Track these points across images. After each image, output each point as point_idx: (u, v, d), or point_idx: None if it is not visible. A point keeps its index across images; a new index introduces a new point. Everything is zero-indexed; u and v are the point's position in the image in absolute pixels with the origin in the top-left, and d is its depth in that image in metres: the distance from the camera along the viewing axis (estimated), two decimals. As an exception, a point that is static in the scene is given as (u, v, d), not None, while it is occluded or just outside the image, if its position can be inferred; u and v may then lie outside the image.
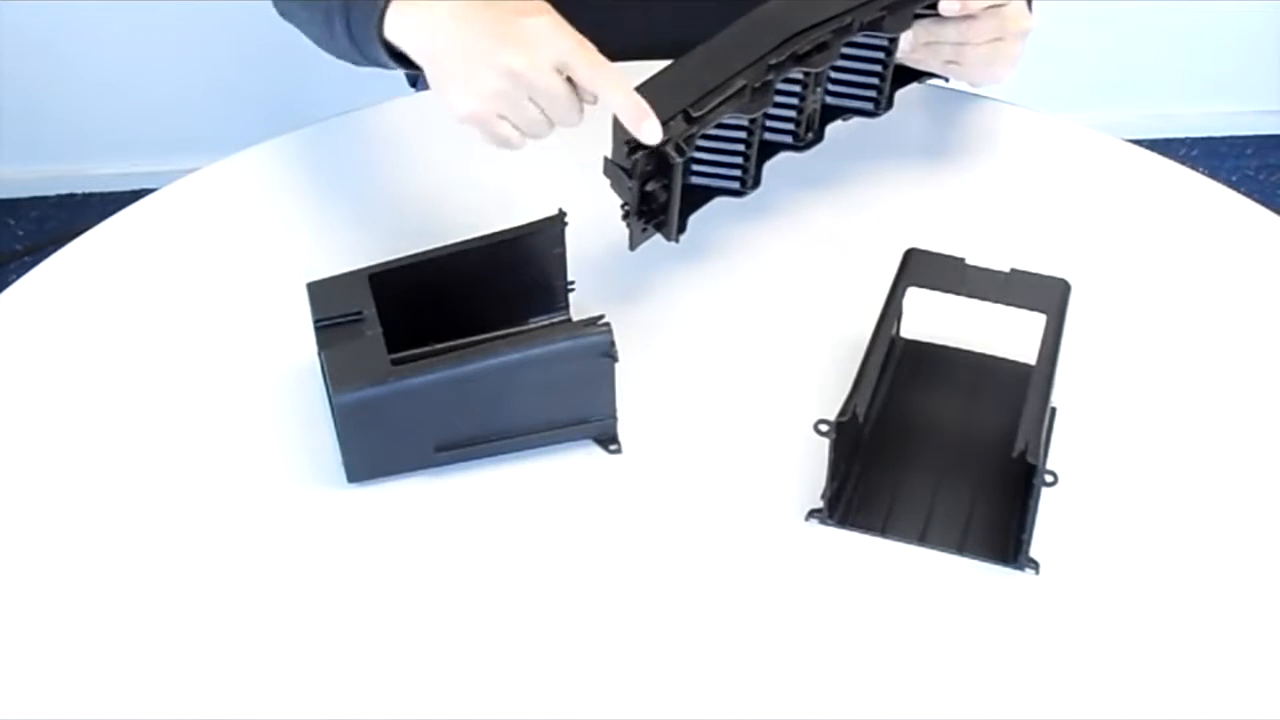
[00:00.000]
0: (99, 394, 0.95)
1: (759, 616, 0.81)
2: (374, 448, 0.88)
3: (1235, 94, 2.36)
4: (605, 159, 0.93)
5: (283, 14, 1.09)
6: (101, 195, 2.25)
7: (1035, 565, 0.83)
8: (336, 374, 0.86)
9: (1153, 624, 0.81)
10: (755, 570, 0.84)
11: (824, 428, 0.83)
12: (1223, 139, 2.37)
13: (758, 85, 0.94)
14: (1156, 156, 1.14)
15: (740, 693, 0.78)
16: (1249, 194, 1.10)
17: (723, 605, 0.82)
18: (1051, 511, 0.85)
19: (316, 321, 0.88)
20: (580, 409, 0.89)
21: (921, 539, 0.85)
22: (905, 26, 1.00)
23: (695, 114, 0.91)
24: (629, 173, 0.91)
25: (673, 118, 0.91)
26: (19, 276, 1.03)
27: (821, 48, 0.97)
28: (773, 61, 0.95)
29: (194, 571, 0.84)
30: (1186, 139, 2.36)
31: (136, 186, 1.81)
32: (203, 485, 0.89)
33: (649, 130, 0.88)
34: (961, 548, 0.85)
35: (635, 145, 0.90)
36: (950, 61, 1.05)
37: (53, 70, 2.17)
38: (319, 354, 0.90)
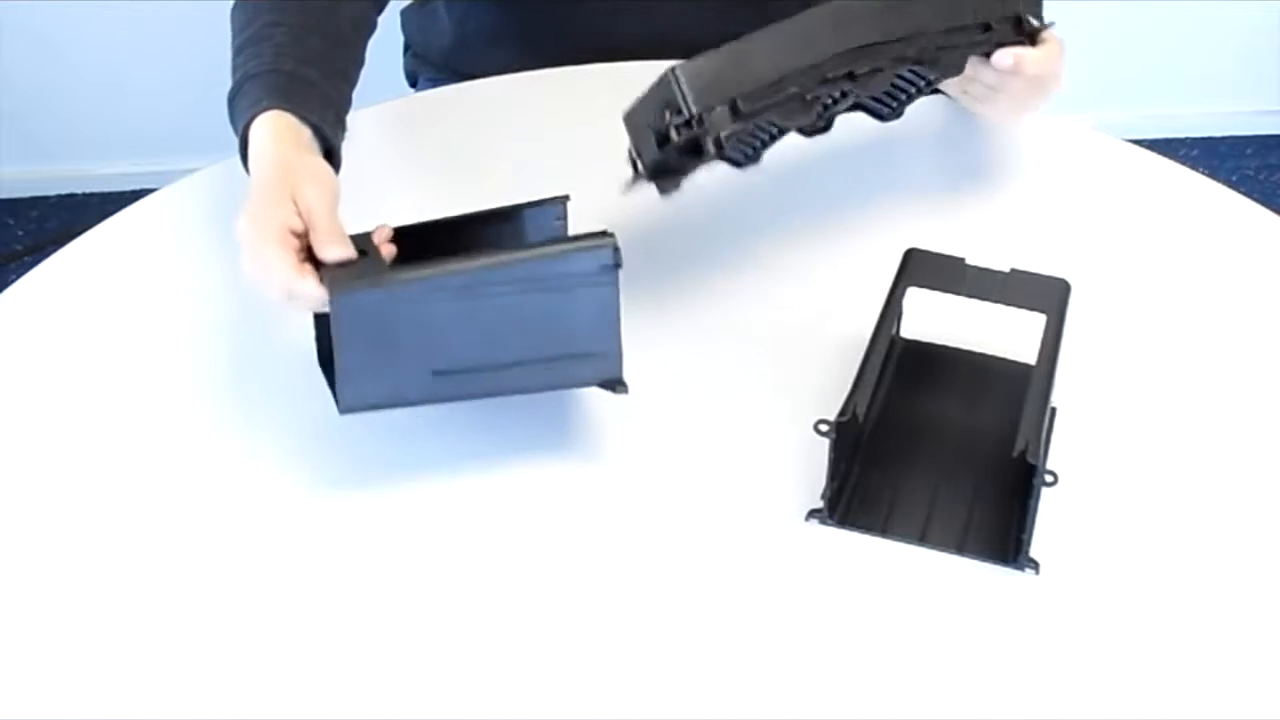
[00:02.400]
0: (99, 394, 0.95)
1: (759, 617, 0.81)
2: (371, 365, 0.84)
3: (1235, 94, 2.36)
4: (635, 109, 0.90)
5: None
6: (101, 195, 2.25)
7: (1035, 565, 0.83)
8: (334, 282, 0.83)
9: (1153, 624, 0.81)
10: (755, 570, 0.84)
11: (824, 428, 0.83)
12: (1223, 139, 2.37)
13: (808, 97, 0.93)
14: (1156, 156, 1.14)
15: (740, 692, 0.78)
16: (1249, 194, 1.10)
17: (722, 605, 0.82)
18: (1051, 511, 0.85)
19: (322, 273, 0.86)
20: (584, 340, 0.86)
21: (921, 539, 0.85)
22: (958, 70, 0.99)
23: (744, 110, 0.89)
24: (659, 142, 0.89)
25: (721, 104, 0.89)
26: (19, 276, 1.03)
27: (876, 72, 0.96)
28: (829, 75, 0.93)
29: (193, 572, 0.84)
30: (1186, 139, 2.36)
31: (136, 186, 1.81)
32: (202, 485, 0.89)
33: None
34: (961, 548, 0.85)
35: (679, 122, 0.88)
36: (975, 98, 1.05)
37: (53, 70, 2.17)
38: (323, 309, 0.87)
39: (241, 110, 0.97)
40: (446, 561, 0.84)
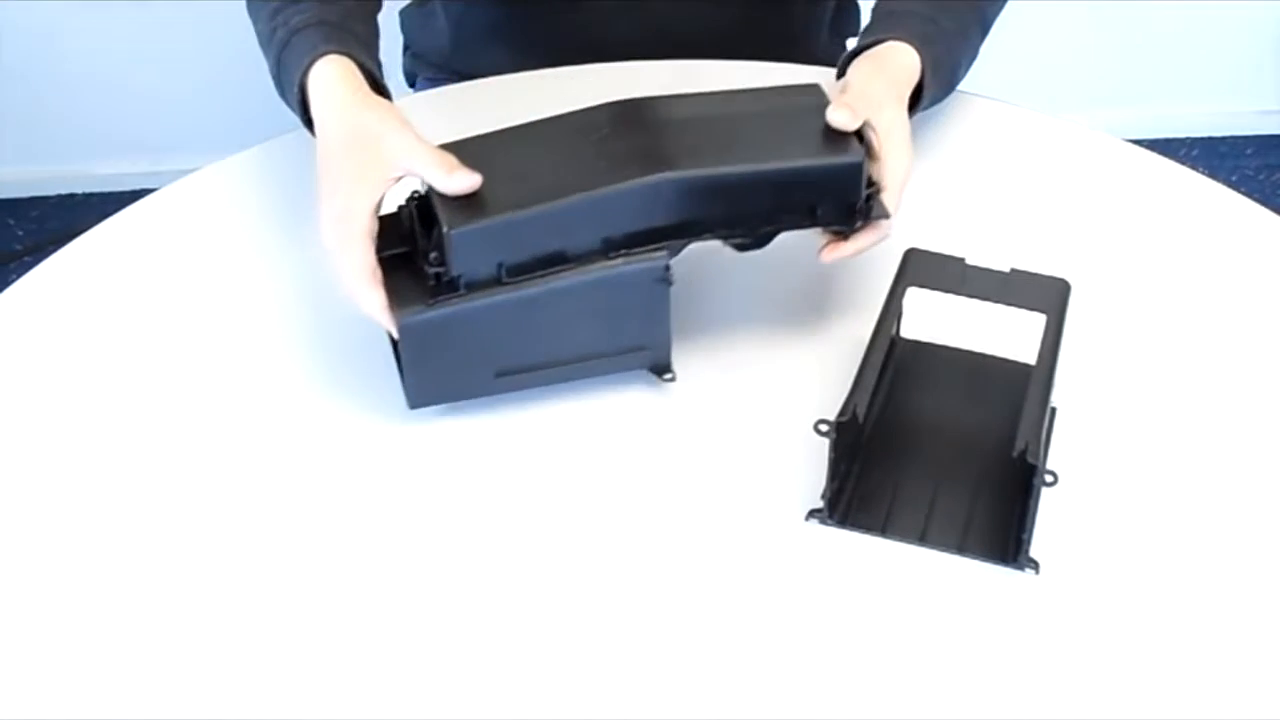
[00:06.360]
0: (99, 394, 0.95)
1: (759, 616, 0.81)
2: (436, 372, 0.90)
3: (1235, 94, 2.36)
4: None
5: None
6: (101, 195, 2.25)
7: (1035, 565, 0.83)
8: (398, 297, 0.87)
9: (1153, 624, 0.81)
10: (755, 570, 0.84)
11: (824, 428, 0.83)
12: (1223, 139, 2.37)
13: (581, 254, 0.89)
14: (1156, 156, 1.14)
15: (740, 692, 0.78)
16: (1249, 194, 1.10)
17: (723, 605, 0.82)
18: (1051, 511, 0.85)
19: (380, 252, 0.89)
20: (637, 335, 0.92)
21: (921, 539, 0.85)
22: (761, 246, 0.92)
23: (506, 280, 0.87)
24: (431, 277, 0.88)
25: (487, 268, 0.87)
26: (19, 276, 1.03)
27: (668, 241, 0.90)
28: (614, 254, 0.89)
29: (194, 573, 0.84)
30: (1186, 139, 2.36)
31: (136, 186, 1.81)
32: (203, 487, 0.89)
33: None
34: (961, 548, 0.85)
35: (440, 271, 0.87)
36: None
37: (53, 70, 2.17)
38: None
39: (297, 58, 0.97)
40: (445, 561, 0.84)
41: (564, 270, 0.88)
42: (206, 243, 1.07)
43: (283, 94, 1.00)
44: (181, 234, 1.07)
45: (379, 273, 0.88)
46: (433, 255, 0.87)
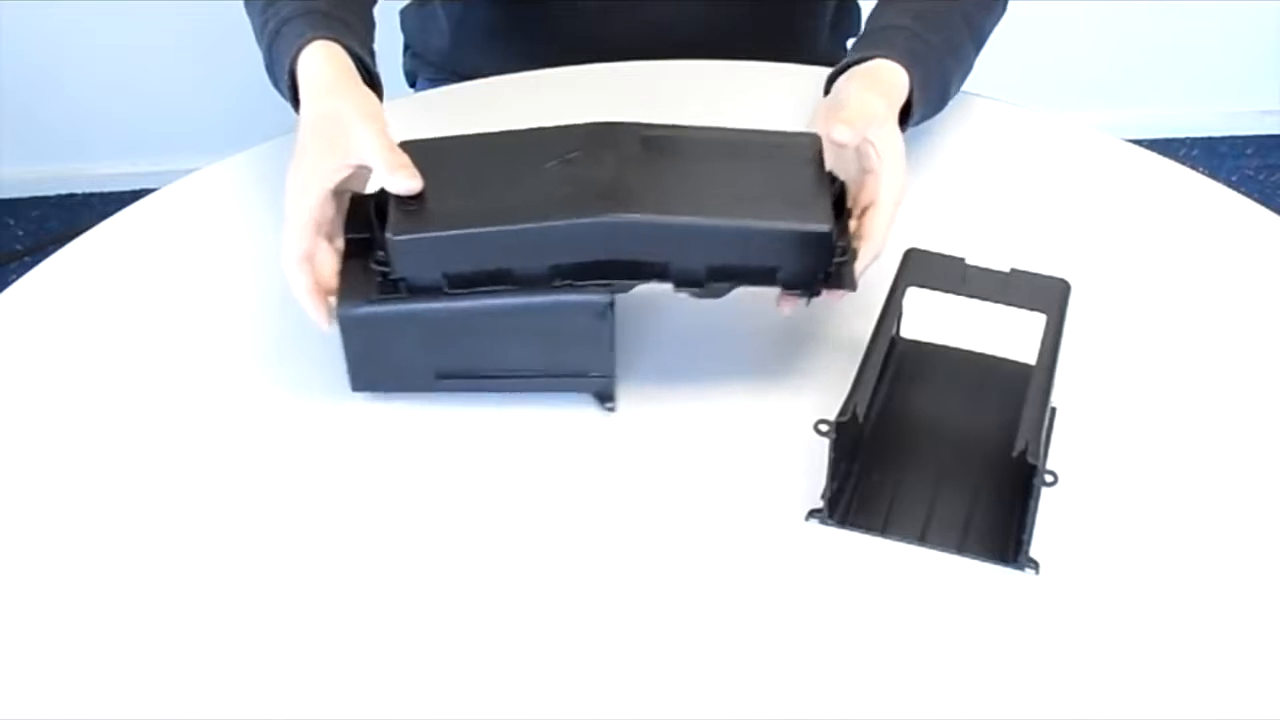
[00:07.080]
0: (99, 394, 0.95)
1: (759, 616, 0.81)
2: (376, 363, 0.91)
3: (1235, 94, 2.36)
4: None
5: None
6: (101, 195, 2.25)
7: (1035, 565, 0.83)
8: (345, 288, 0.88)
9: (1153, 624, 0.81)
10: (755, 570, 0.84)
11: (824, 428, 0.83)
12: (1223, 139, 2.37)
13: (528, 276, 0.88)
14: (1156, 156, 1.14)
15: (740, 692, 0.78)
16: (1249, 194, 1.10)
17: (722, 605, 0.82)
18: (1051, 511, 0.85)
19: (346, 236, 0.91)
20: (579, 362, 0.91)
21: (921, 539, 0.85)
22: (719, 296, 0.89)
23: (448, 291, 0.88)
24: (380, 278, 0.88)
25: (433, 276, 0.87)
26: (19, 276, 1.03)
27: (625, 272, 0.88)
28: (559, 282, 0.88)
29: (194, 570, 0.84)
30: (1186, 139, 2.36)
31: (136, 186, 1.81)
32: (202, 484, 0.89)
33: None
34: (961, 548, 0.85)
35: (386, 272, 0.88)
36: None
37: (53, 70, 2.17)
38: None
39: (286, 46, 0.97)
40: (447, 560, 0.84)
41: (507, 289, 0.88)
42: (206, 243, 1.07)
43: (275, 84, 1.00)
44: (181, 234, 1.08)
45: (320, 256, 0.89)
46: (379, 253, 0.88)
